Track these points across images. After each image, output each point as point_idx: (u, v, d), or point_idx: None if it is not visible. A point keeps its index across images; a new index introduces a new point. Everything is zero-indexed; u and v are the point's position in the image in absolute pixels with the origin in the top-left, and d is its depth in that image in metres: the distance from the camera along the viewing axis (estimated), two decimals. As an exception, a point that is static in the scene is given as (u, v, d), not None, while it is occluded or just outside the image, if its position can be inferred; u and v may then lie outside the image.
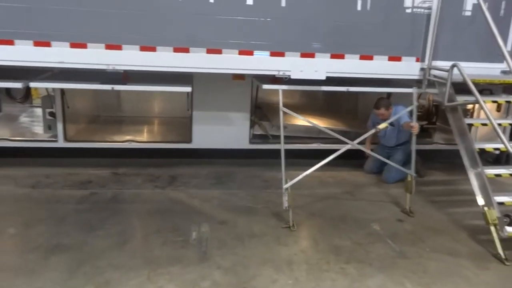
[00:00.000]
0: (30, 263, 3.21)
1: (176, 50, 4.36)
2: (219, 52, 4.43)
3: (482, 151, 4.12)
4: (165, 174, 5.19)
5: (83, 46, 4.22)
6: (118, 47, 4.26)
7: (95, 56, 4.23)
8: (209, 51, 4.41)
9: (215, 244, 3.60)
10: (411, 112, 4.53)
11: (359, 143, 4.32)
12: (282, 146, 3.89)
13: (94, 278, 3.06)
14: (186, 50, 4.38)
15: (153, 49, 4.31)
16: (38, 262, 3.22)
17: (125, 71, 4.46)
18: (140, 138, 5.51)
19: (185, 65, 4.39)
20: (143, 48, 4.29)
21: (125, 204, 4.32)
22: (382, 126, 4.44)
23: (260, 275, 3.20)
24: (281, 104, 3.79)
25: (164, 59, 4.34)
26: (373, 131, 4.51)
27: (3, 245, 3.46)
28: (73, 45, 4.20)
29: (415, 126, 4.44)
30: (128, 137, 5.40)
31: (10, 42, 4.15)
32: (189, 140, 5.38)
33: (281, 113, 3.83)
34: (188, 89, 4.73)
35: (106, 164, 5.34)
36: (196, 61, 4.40)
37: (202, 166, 5.52)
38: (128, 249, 3.48)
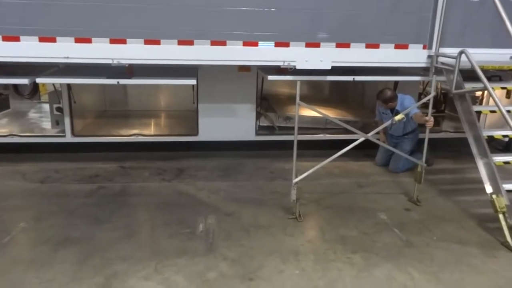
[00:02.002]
0: (40, 256, 3.26)
1: (181, 42, 4.36)
2: (223, 44, 4.41)
3: (491, 139, 4.05)
4: (172, 167, 5.22)
5: (88, 41, 4.24)
6: (123, 41, 4.27)
7: (99, 51, 4.25)
8: (214, 43, 4.40)
9: (222, 236, 3.63)
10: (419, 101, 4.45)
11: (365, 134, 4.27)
12: (296, 138, 3.84)
13: (102, 270, 3.10)
14: (190, 43, 4.38)
15: (157, 42, 4.32)
16: (48, 255, 3.27)
17: (130, 65, 4.48)
18: (147, 132, 5.53)
19: (189, 58, 4.39)
20: (147, 42, 4.30)
21: (132, 197, 4.36)
22: (398, 117, 4.20)
23: (267, 266, 3.21)
24: (298, 97, 3.72)
25: (169, 52, 4.34)
26: (388, 122, 4.39)
27: (14, 239, 3.52)
28: (78, 40, 4.22)
29: (431, 120, 4.27)
30: (134, 131, 5.43)
31: (16, 39, 4.18)
32: (196, 133, 5.39)
33: (297, 105, 3.77)
34: (193, 81, 4.74)
35: (113, 158, 5.39)
36: (201, 53, 4.40)
37: (209, 158, 5.54)
38: (135, 241, 3.52)
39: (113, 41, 4.25)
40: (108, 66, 4.37)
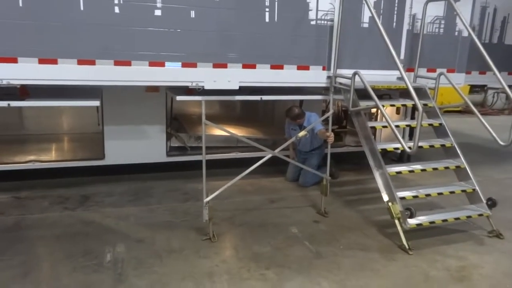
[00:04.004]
0: None
1: (81, 62, 4.11)
2: (128, 64, 4.26)
3: (385, 151, 4.45)
4: (76, 194, 4.86)
5: (-31, 59, 3.81)
6: (13, 60, 3.91)
7: (-16, 70, 3.84)
8: (117, 63, 4.22)
9: (132, 264, 3.44)
10: (325, 119, 4.74)
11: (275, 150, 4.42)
12: (204, 157, 3.83)
13: (-10, 317, 2.74)
14: (92, 63, 4.15)
15: (54, 61, 4.02)
16: None
17: (23, 86, 4.11)
18: (46, 157, 5.09)
19: (91, 78, 4.15)
20: (42, 61, 3.97)
21: (28, 230, 3.95)
22: (301, 134, 4.49)
23: (180, 291, 3.12)
24: (203, 116, 3.71)
25: (67, 72, 4.06)
26: (293, 139, 4.63)
27: None
28: (-44, 59, 3.77)
29: (331, 135, 4.62)
30: (31, 157, 4.97)
31: None
32: (102, 157, 5.11)
33: (203, 125, 3.76)
34: (96, 103, 4.49)
35: (5, 188, 4.86)
36: (103, 73, 4.18)
37: (117, 183, 5.26)
38: (32, 279, 3.18)
39: (2, 60, 3.87)
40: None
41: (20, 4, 3.82)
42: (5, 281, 3.13)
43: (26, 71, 3.93)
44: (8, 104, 4.13)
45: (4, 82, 3.88)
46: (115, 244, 3.74)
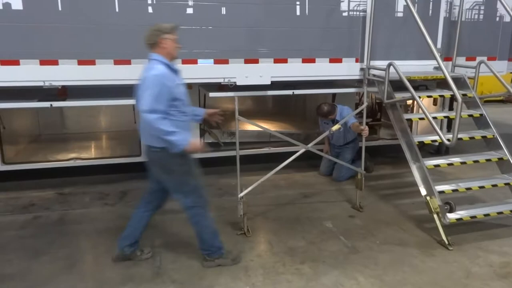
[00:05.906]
0: (-33, 298, 2.99)
1: (117, 62, 4.25)
2: (162, 62, 4.35)
3: (422, 144, 4.33)
4: (115, 190, 5.03)
5: (15, 63, 4.01)
6: (54, 62, 4.09)
7: (29, 73, 4.03)
8: (152, 62, 4.32)
9: (170, 258, 3.53)
10: (358, 112, 4.64)
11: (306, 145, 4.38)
12: (238, 153, 3.87)
13: (40, 307, 2.90)
14: (127, 62, 4.28)
15: (92, 62, 4.18)
16: (-23, 297, 3.01)
17: (63, 87, 4.30)
18: (86, 155, 5.30)
19: (127, 77, 4.28)
20: (81, 62, 4.15)
21: (72, 225, 4.14)
22: (335, 128, 4.41)
23: (216, 285, 3.17)
24: (237, 112, 3.76)
25: (105, 73, 4.21)
26: (326, 133, 4.57)
27: None
28: (4, 62, 3.98)
29: (365, 129, 4.52)
30: (72, 155, 5.18)
31: None
32: (139, 153, 5.25)
33: (236, 121, 3.80)
34: (132, 101, 4.61)
35: (50, 185, 5.09)
36: (139, 72, 4.29)
37: (154, 179, 5.39)
38: (76, 272, 3.33)
39: (43, 63, 4.06)
40: (40, 88, 4.16)
41: (60, 8, 3.98)
42: (53, 272, 3.30)
43: (66, 73, 4.11)
44: (51, 105, 4.34)
45: (47, 83, 4.08)
46: (153, 239, 3.85)
